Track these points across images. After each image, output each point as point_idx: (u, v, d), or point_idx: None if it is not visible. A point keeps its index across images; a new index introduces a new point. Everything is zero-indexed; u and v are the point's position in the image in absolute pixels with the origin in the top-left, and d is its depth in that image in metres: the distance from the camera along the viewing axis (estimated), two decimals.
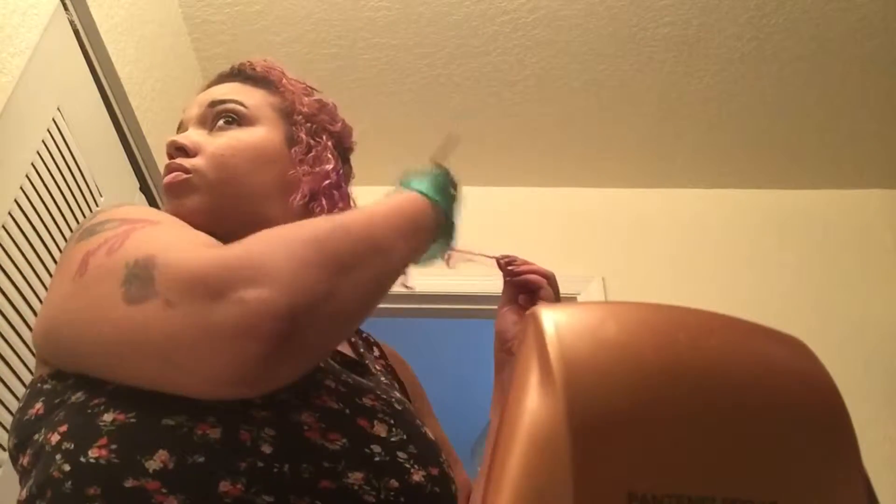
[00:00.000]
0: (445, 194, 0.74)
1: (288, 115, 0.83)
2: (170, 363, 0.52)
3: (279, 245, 0.55)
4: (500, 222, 2.53)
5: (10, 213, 1.21)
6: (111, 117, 1.65)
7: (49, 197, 1.34)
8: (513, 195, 2.63)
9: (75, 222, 1.43)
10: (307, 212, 0.79)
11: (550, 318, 0.47)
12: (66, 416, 0.57)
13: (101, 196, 1.55)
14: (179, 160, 0.77)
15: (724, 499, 0.42)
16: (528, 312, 0.50)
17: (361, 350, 0.83)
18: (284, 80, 0.86)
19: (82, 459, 0.54)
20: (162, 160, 2.00)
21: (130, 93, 1.71)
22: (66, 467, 0.54)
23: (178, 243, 0.58)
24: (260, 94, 0.83)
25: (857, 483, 0.46)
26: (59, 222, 1.36)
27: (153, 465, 0.52)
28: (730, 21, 2.08)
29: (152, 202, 1.83)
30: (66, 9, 1.45)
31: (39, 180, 1.31)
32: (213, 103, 0.80)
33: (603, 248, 2.50)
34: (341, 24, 2.09)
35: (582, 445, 0.42)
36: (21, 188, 1.25)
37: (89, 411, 0.56)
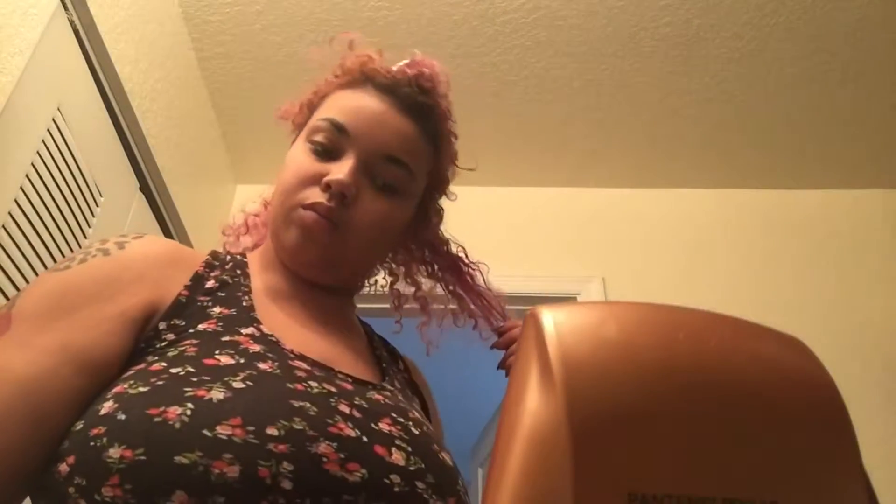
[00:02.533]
0: None
1: (432, 181, 0.84)
2: None
3: None
4: (500, 222, 2.53)
5: (10, 213, 1.21)
6: (111, 117, 1.65)
7: (49, 197, 1.34)
8: (513, 195, 2.63)
9: (75, 222, 1.43)
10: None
11: (550, 318, 0.47)
12: (70, 446, 0.55)
13: (101, 196, 1.55)
14: (336, 206, 0.73)
15: (724, 499, 0.42)
16: (528, 312, 0.50)
17: (384, 365, 0.80)
18: (450, 143, 0.85)
19: (97, 497, 0.52)
20: (162, 160, 2.00)
21: (130, 93, 1.71)
22: (82, 503, 0.53)
23: None
24: (427, 159, 0.81)
25: (857, 483, 0.46)
26: (59, 222, 1.36)
27: None
28: (730, 21, 2.08)
29: (152, 202, 1.83)
30: (66, 9, 1.45)
31: (39, 180, 1.31)
32: (391, 160, 0.76)
33: (603, 248, 2.50)
34: (341, 24, 2.09)
35: (582, 445, 0.42)
36: (21, 188, 1.25)
37: (92, 444, 0.53)
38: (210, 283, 0.70)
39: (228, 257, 0.77)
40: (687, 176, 2.62)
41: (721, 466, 0.44)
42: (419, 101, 0.81)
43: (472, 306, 0.91)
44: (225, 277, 0.72)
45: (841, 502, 0.46)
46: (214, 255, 0.75)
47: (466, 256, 0.93)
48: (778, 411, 0.46)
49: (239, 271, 0.75)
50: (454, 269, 0.92)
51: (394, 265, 0.92)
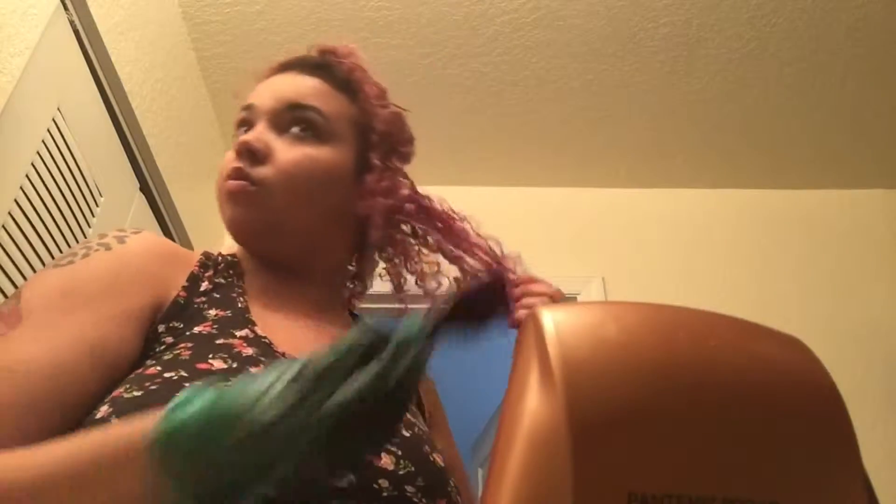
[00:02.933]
0: (202, 449, 0.42)
1: (363, 132, 0.79)
2: None
3: None
4: (500, 222, 2.53)
5: (10, 213, 1.21)
6: (111, 117, 1.65)
7: (49, 197, 1.34)
8: (513, 195, 2.63)
9: (75, 222, 1.43)
10: (389, 241, 0.77)
11: (550, 318, 0.47)
12: None
13: (101, 196, 1.55)
14: (247, 168, 0.72)
15: (724, 499, 0.42)
16: (528, 312, 0.50)
17: None
18: (366, 87, 0.81)
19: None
20: (162, 160, 2.01)
21: (130, 93, 1.71)
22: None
23: None
24: (340, 103, 0.79)
25: (857, 483, 0.46)
26: (59, 222, 1.36)
27: None
28: (730, 21, 2.08)
29: (152, 202, 1.83)
30: (66, 9, 1.45)
31: (39, 180, 1.31)
32: (293, 106, 0.76)
33: (603, 248, 2.50)
34: (341, 24, 2.09)
35: (582, 445, 0.42)
36: (21, 188, 1.25)
37: None
38: (205, 285, 0.70)
39: (220, 258, 0.76)
40: (687, 176, 2.62)
41: (721, 466, 0.44)
42: (318, 59, 0.82)
43: (471, 261, 0.81)
44: (219, 279, 0.72)
45: (841, 502, 0.46)
46: (207, 255, 0.75)
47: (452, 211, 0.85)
48: (778, 411, 0.46)
49: (231, 271, 0.75)
50: (439, 224, 0.82)
51: (389, 250, 0.86)
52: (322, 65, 0.82)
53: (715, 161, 2.56)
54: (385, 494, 0.58)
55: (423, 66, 2.21)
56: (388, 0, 2.04)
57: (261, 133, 0.75)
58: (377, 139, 0.79)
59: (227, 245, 0.83)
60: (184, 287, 0.68)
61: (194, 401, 0.42)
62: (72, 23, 1.48)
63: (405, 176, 0.82)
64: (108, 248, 0.67)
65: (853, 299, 2.40)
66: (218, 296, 0.70)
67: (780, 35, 2.11)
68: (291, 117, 0.75)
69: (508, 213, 2.57)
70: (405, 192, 0.77)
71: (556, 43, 2.15)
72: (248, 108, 0.79)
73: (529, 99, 2.33)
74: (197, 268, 0.71)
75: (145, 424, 0.43)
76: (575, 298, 2.27)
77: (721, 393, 0.46)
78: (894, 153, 2.49)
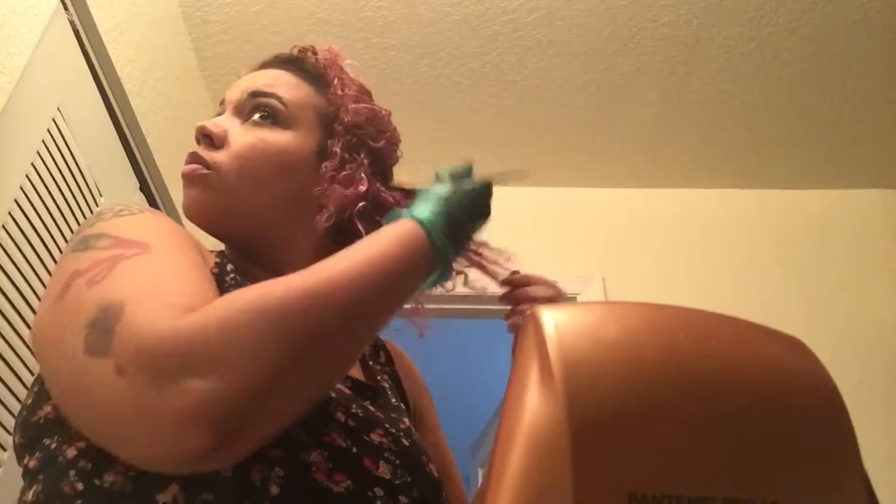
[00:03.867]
0: (454, 225, 0.65)
1: (328, 122, 0.78)
2: (112, 437, 0.50)
3: (242, 322, 0.50)
4: (500, 222, 2.53)
5: (10, 213, 1.21)
6: (111, 117, 1.65)
7: (49, 197, 1.34)
8: (513, 195, 2.63)
9: (75, 222, 1.43)
10: (338, 233, 0.74)
11: (550, 318, 0.47)
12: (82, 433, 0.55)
13: (101, 196, 1.55)
14: (203, 152, 0.74)
15: (724, 499, 0.42)
16: (528, 312, 0.50)
17: (371, 363, 0.80)
18: (338, 81, 0.81)
19: (97, 482, 0.53)
20: (162, 160, 2.01)
21: (130, 93, 1.71)
22: (80, 486, 0.53)
23: (160, 294, 0.53)
24: (306, 92, 0.79)
25: (857, 483, 0.46)
26: (59, 222, 1.36)
27: (163, 497, 0.52)
28: (730, 21, 2.08)
29: (152, 202, 1.83)
30: (66, 9, 1.45)
31: (39, 180, 1.31)
32: (254, 94, 0.77)
33: (603, 248, 2.50)
34: (341, 24, 2.09)
35: (582, 445, 0.42)
36: (21, 188, 1.25)
37: None
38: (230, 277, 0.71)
39: (229, 265, 0.75)
40: (687, 176, 2.62)
41: (721, 466, 0.44)
42: (291, 55, 0.83)
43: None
44: (230, 282, 0.72)
45: (841, 502, 0.46)
46: (220, 260, 0.75)
47: None
48: (778, 411, 0.46)
49: (242, 273, 0.74)
50: None
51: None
52: (293, 59, 0.83)
53: (715, 161, 2.56)
54: (379, 503, 0.58)
55: (423, 66, 2.21)
56: (388, 0, 2.04)
57: (221, 120, 0.76)
58: (341, 129, 0.78)
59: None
60: (216, 264, 0.70)
61: (437, 205, 0.66)
62: (72, 23, 1.47)
63: (369, 177, 0.78)
64: (153, 213, 0.69)
65: (853, 299, 2.40)
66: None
67: (780, 35, 2.11)
68: (252, 104, 0.76)
69: (508, 213, 2.57)
70: (363, 188, 0.76)
71: (556, 43, 2.15)
72: (221, 103, 0.80)
73: (529, 99, 2.33)
74: (215, 269, 0.71)
75: (409, 236, 0.62)
76: (575, 298, 2.27)
77: (721, 393, 0.46)
78: (894, 153, 2.49)
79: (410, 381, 0.87)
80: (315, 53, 0.84)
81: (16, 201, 1.23)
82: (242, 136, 0.75)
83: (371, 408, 0.67)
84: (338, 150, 0.77)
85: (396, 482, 0.61)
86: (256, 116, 0.76)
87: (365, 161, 0.78)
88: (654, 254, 2.50)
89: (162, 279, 0.56)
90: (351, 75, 0.83)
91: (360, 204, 0.75)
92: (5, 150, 1.22)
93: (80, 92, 1.53)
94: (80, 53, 1.52)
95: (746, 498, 0.43)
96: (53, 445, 0.57)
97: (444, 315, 2.55)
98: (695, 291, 2.34)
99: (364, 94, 0.83)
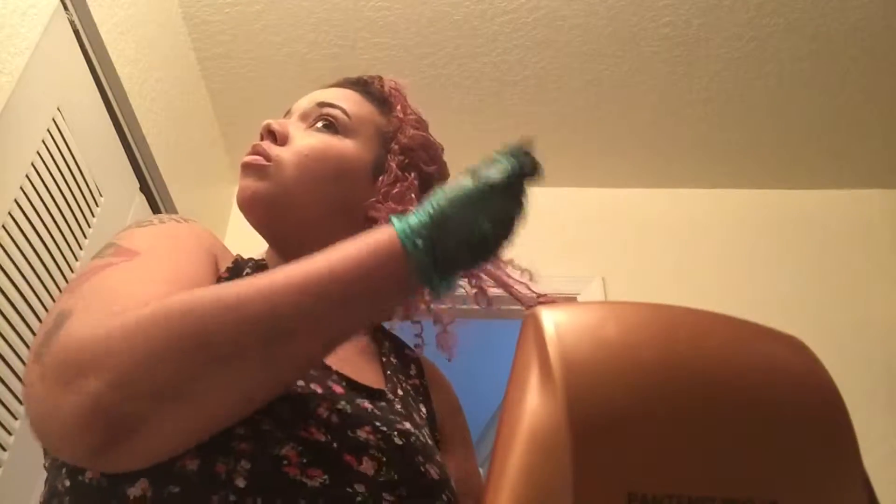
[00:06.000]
0: (448, 231, 0.57)
1: (387, 140, 0.82)
2: (39, 434, 0.54)
3: (145, 327, 0.51)
4: None
5: (10, 213, 1.21)
6: (111, 117, 1.65)
7: (49, 197, 1.34)
8: None
9: (75, 222, 1.43)
10: None
11: (550, 318, 0.47)
12: None
13: (101, 196, 1.55)
14: (266, 145, 0.77)
15: (724, 499, 0.42)
16: (528, 312, 0.50)
17: (388, 372, 0.79)
18: (400, 107, 0.85)
19: (80, 478, 0.55)
20: (162, 160, 2.01)
21: (130, 93, 1.71)
22: (67, 483, 0.56)
23: (103, 301, 0.55)
24: (369, 110, 0.83)
25: (856, 482, 0.46)
26: (59, 222, 1.36)
27: (134, 491, 0.53)
28: (730, 21, 2.08)
29: (152, 202, 1.83)
30: (66, 9, 1.45)
31: (39, 180, 1.31)
32: (321, 104, 0.81)
33: (603, 248, 2.50)
34: (341, 24, 2.09)
35: (582, 445, 0.42)
36: (21, 188, 1.25)
37: None
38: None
39: (246, 269, 0.75)
40: (687, 176, 2.62)
41: (721, 466, 0.44)
42: (357, 78, 0.88)
43: (491, 281, 0.81)
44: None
45: (841, 502, 0.46)
46: (236, 260, 0.75)
47: None
48: (778, 411, 0.46)
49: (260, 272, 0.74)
50: None
51: None
52: (360, 82, 0.87)
53: (715, 161, 2.56)
54: (359, 499, 0.57)
55: (423, 66, 2.21)
56: (388, 0, 2.04)
57: (287, 123, 0.80)
58: (397, 148, 0.82)
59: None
60: (228, 269, 0.71)
61: (427, 213, 0.58)
62: (72, 23, 1.48)
63: (418, 199, 0.80)
64: (178, 221, 0.71)
65: (853, 299, 2.40)
66: None
67: (780, 35, 2.11)
68: (318, 113, 0.80)
69: None
70: (411, 208, 0.77)
71: (556, 43, 2.15)
72: (287, 113, 0.84)
73: (529, 99, 2.33)
74: (225, 273, 0.71)
75: (380, 243, 0.57)
76: (575, 298, 2.27)
77: (721, 393, 0.46)
78: (894, 153, 2.49)
79: (442, 397, 0.86)
80: (381, 81, 0.88)
81: (16, 201, 1.23)
82: (305, 137, 0.79)
83: (366, 405, 0.66)
84: (393, 165, 0.80)
85: (380, 479, 0.59)
86: (320, 124, 0.80)
87: (415, 182, 0.81)
88: (654, 254, 2.49)
89: (124, 285, 0.58)
90: (410, 103, 0.88)
91: None
92: (5, 150, 1.22)
93: (80, 92, 1.53)
94: (80, 53, 1.52)
95: (746, 498, 0.43)
96: None
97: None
98: (695, 291, 2.34)
99: (422, 124, 0.88)
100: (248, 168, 0.77)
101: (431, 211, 0.58)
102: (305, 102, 0.83)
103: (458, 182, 0.60)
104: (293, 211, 0.76)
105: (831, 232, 2.54)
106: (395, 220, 0.58)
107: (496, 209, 0.59)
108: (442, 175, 0.86)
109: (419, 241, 0.56)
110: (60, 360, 0.51)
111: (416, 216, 0.58)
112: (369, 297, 0.57)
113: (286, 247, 0.78)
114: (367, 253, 0.56)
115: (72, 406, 0.49)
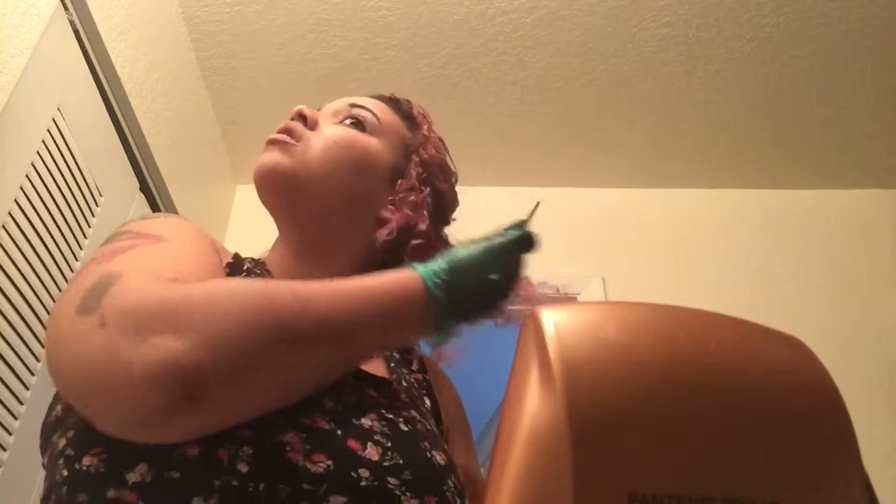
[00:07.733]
0: (463, 282, 0.64)
1: (409, 151, 0.85)
2: (82, 394, 0.52)
3: (225, 300, 0.53)
4: (499, 223, 2.53)
5: (10, 213, 1.21)
6: (111, 117, 1.65)
7: (49, 197, 1.34)
8: (513, 195, 2.63)
9: (75, 222, 1.43)
10: (389, 255, 0.78)
11: (550, 318, 0.47)
12: (76, 422, 0.57)
13: (101, 196, 1.55)
14: (295, 125, 0.79)
15: (724, 499, 0.42)
16: (528, 312, 0.50)
17: (392, 364, 0.80)
18: (427, 127, 0.89)
19: (77, 466, 0.55)
20: (162, 160, 2.01)
21: (130, 93, 1.71)
22: (65, 472, 0.55)
23: (153, 268, 0.57)
24: (396, 121, 0.86)
25: (856, 483, 0.46)
26: (59, 222, 1.36)
27: (133, 477, 0.53)
28: (730, 21, 2.08)
29: (152, 202, 1.83)
30: (66, 9, 1.45)
31: (39, 180, 1.31)
32: (353, 105, 0.84)
33: (603, 248, 2.50)
34: (341, 24, 2.09)
35: (582, 445, 0.42)
36: (21, 188, 1.25)
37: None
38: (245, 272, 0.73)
39: (246, 265, 0.76)
40: (687, 176, 2.62)
41: (721, 466, 0.44)
42: (389, 95, 0.91)
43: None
44: (244, 275, 0.73)
45: (841, 502, 0.46)
46: (236, 258, 0.75)
47: None
48: (778, 411, 0.46)
49: (259, 270, 0.75)
50: None
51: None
52: (391, 98, 0.90)
53: (715, 161, 2.56)
54: (363, 484, 0.57)
55: (423, 66, 2.21)
56: (388, 0, 2.04)
57: (315, 111, 0.83)
58: (419, 160, 0.84)
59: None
60: (228, 264, 0.72)
61: (447, 267, 0.64)
62: (72, 23, 1.48)
63: (430, 214, 0.83)
64: (178, 218, 0.73)
65: (853, 299, 2.40)
66: None
67: (780, 35, 2.11)
68: (349, 112, 0.83)
69: (508, 214, 2.57)
70: (423, 224, 0.81)
71: (556, 43, 2.15)
72: (318, 110, 0.86)
73: (529, 99, 2.33)
74: (226, 269, 0.72)
75: (408, 282, 0.62)
76: (575, 298, 2.27)
77: (721, 393, 0.46)
78: (894, 153, 2.49)
79: (445, 392, 0.87)
80: (410, 103, 0.92)
81: (16, 201, 1.23)
82: (334, 128, 0.81)
83: (372, 393, 0.67)
84: (412, 172, 0.83)
85: (385, 464, 0.59)
86: (349, 121, 0.82)
87: (428, 200, 0.83)
88: (654, 254, 2.49)
89: (163, 260, 0.60)
90: (437, 131, 0.91)
91: (420, 240, 0.80)
92: (5, 150, 1.22)
93: (80, 92, 1.53)
94: (80, 53, 1.52)
95: (746, 498, 0.43)
96: (55, 440, 0.59)
97: None
98: (695, 291, 2.34)
99: (444, 147, 0.90)
100: (274, 143, 0.78)
101: (449, 259, 0.65)
102: (337, 102, 0.85)
103: (470, 244, 0.68)
104: (310, 193, 0.78)
105: (831, 232, 2.54)
106: (417, 265, 0.64)
107: (503, 266, 0.67)
108: (452, 200, 0.89)
109: (438, 282, 0.62)
110: (130, 311, 0.51)
111: (436, 263, 0.64)
112: (393, 326, 0.63)
113: (293, 231, 0.80)
114: (393, 284, 0.62)
115: (147, 360, 0.48)
